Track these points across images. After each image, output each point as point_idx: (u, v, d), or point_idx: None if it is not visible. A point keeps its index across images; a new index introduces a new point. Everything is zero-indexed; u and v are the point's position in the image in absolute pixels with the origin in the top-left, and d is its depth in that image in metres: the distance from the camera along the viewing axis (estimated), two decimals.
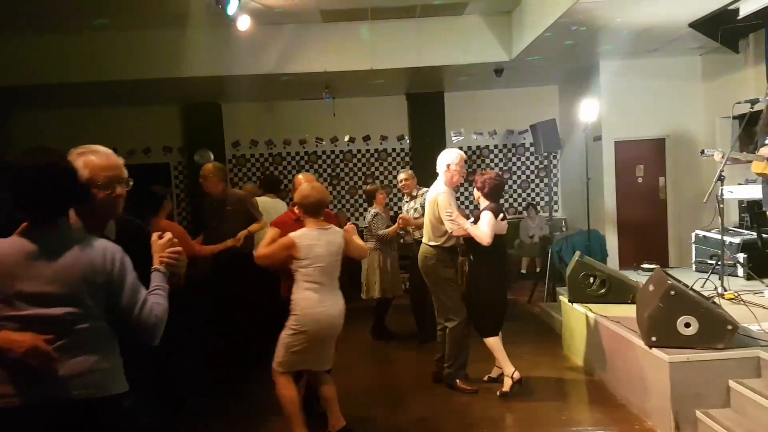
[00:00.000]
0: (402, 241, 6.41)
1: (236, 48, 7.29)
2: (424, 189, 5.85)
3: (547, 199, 9.77)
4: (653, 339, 3.74)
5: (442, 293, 4.58)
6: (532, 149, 9.76)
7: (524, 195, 10.06)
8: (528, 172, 10.09)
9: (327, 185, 9.93)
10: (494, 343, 4.44)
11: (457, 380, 4.56)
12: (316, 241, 3.46)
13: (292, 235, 3.49)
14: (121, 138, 9.55)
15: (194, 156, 9.37)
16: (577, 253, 5.40)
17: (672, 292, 3.71)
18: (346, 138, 9.92)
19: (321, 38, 7.59)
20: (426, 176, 6.39)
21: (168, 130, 9.77)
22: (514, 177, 10.04)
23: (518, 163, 10.07)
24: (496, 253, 4.41)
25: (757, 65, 6.36)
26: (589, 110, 6.61)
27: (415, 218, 5.85)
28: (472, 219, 4.48)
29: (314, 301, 3.42)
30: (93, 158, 2.01)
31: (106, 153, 2.06)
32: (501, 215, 4.37)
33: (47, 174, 1.77)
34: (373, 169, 10.07)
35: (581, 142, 8.19)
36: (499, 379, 4.54)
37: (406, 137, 9.96)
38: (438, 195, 4.50)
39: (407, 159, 10.00)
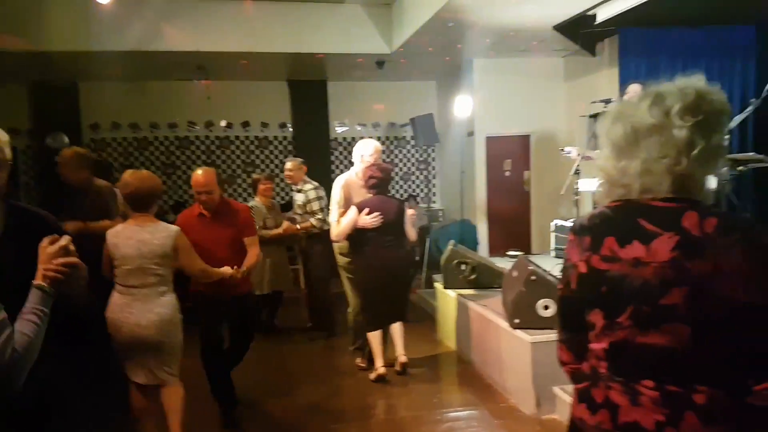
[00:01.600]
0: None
1: (95, 21, 6.60)
2: (312, 183, 5.73)
3: (426, 190, 10.10)
4: (516, 321, 3.98)
5: (343, 281, 4.81)
6: (413, 142, 9.99)
7: (405, 187, 10.28)
8: (409, 165, 10.31)
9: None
10: (370, 337, 4.53)
11: (357, 359, 4.87)
12: (124, 240, 3.09)
13: (108, 231, 3.20)
14: None
15: (46, 139, 8.43)
16: (451, 242, 5.61)
17: (533, 278, 3.97)
18: (223, 123, 9.47)
19: (194, 15, 7.12)
20: (308, 166, 6.31)
21: (14, 111, 8.61)
22: (396, 169, 10.22)
23: (400, 156, 10.25)
24: (368, 247, 4.41)
25: (611, 67, 6.96)
26: (463, 107, 6.87)
27: (299, 213, 5.72)
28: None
29: (117, 306, 3.09)
30: None
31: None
32: (366, 210, 4.33)
33: None
34: (253, 157, 9.72)
35: (457, 137, 8.53)
36: (394, 365, 4.59)
37: (289, 125, 9.73)
38: (334, 184, 4.66)
39: (290, 148, 9.79)
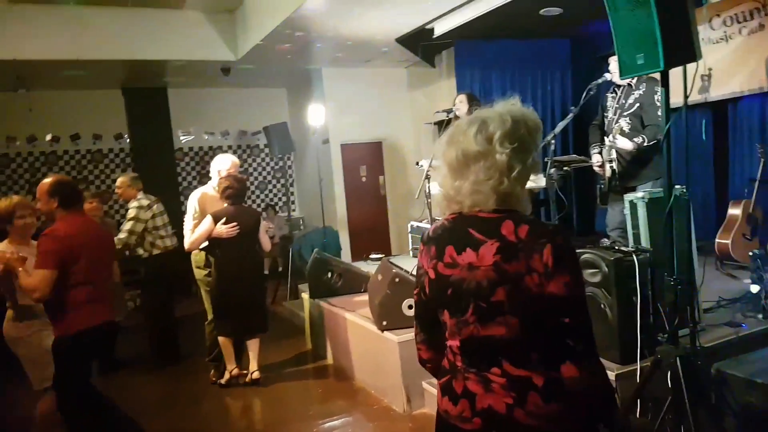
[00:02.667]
0: (127, 254, 5.42)
1: None
2: (138, 202, 5.23)
3: (285, 199, 10.02)
4: (384, 323, 4.12)
5: (202, 294, 4.75)
6: (267, 150, 9.84)
7: (262, 196, 10.09)
8: (265, 173, 10.14)
9: (25, 193, 8.42)
10: (222, 341, 4.55)
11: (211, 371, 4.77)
12: None
13: None
14: None
15: None
16: (316, 250, 5.63)
17: (397, 279, 4.14)
18: (48, 137, 8.55)
19: (9, 21, 6.40)
20: (150, 178, 5.94)
21: None
22: (251, 178, 10.00)
23: (254, 164, 10.04)
24: (224, 257, 4.44)
25: (449, 78, 7.49)
26: (316, 115, 6.95)
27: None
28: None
29: None
30: None
31: None
32: (224, 219, 4.33)
33: None
34: (86, 172, 8.90)
35: (312, 145, 8.59)
36: (249, 378, 4.59)
37: (126, 136, 9.04)
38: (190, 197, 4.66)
39: (128, 161, 9.10)
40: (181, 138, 9.38)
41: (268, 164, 10.13)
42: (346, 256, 8.30)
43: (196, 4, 7.07)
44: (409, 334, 3.99)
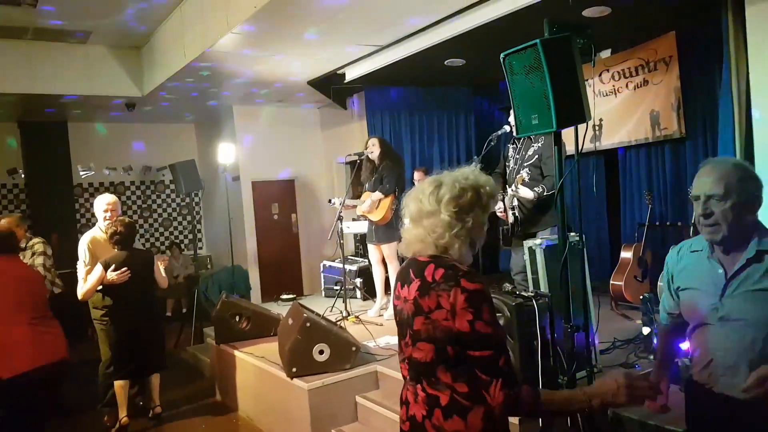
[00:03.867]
0: None
1: None
2: (36, 240, 5.00)
3: (191, 237, 9.54)
4: (294, 370, 3.95)
5: (98, 334, 4.57)
6: (172, 186, 9.39)
7: (167, 234, 9.56)
8: (170, 210, 9.64)
9: None
10: (117, 386, 4.35)
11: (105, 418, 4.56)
12: None
13: None
14: None
15: None
16: (223, 293, 5.37)
17: (308, 324, 3.99)
18: None
19: None
20: (47, 215, 5.46)
21: None
22: (155, 215, 9.46)
23: (158, 201, 9.52)
24: (118, 302, 4.35)
25: (360, 119, 7.56)
26: (226, 153, 6.73)
27: None
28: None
29: None
30: None
31: None
32: (113, 267, 4.22)
33: None
34: None
35: (222, 182, 8.28)
36: (152, 413, 4.55)
37: (21, 171, 8.30)
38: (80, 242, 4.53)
39: (22, 197, 8.35)
40: (81, 173, 8.72)
41: (173, 201, 9.65)
42: (256, 295, 7.99)
43: (100, 40, 6.69)
44: (319, 380, 3.85)
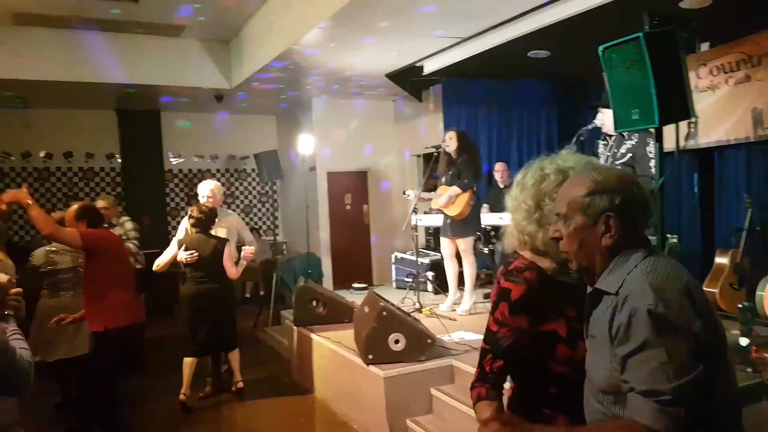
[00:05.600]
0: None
1: None
2: (125, 218, 5.43)
3: (269, 223, 9.82)
4: (370, 357, 3.95)
5: None
6: (253, 175, 9.68)
7: (247, 219, 9.88)
8: (251, 197, 9.95)
9: (17, 207, 8.14)
10: (185, 363, 4.48)
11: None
12: None
13: None
14: None
15: None
16: (301, 278, 5.47)
17: (384, 313, 3.98)
18: (42, 153, 8.28)
19: (12, 43, 6.26)
20: (139, 198, 5.78)
21: None
22: (237, 202, 9.79)
23: (241, 188, 9.85)
24: (187, 282, 4.55)
25: (436, 112, 7.44)
26: (305, 144, 6.83)
27: None
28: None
29: None
30: None
31: None
32: (184, 247, 4.44)
33: None
34: (76, 189, 8.61)
35: (299, 172, 8.46)
36: (235, 388, 4.74)
37: (117, 156, 8.81)
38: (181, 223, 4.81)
39: (118, 180, 8.86)
40: (171, 160, 9.16)
41: (254, 188, 9.95)
42: (328, 283, 8.11)
43: (193, 33, 6.95)
44: (395, 369, 3.84)
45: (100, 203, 5.08)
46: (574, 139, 3.67)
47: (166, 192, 9.18)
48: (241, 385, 4.71)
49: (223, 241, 4.61)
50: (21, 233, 8.23)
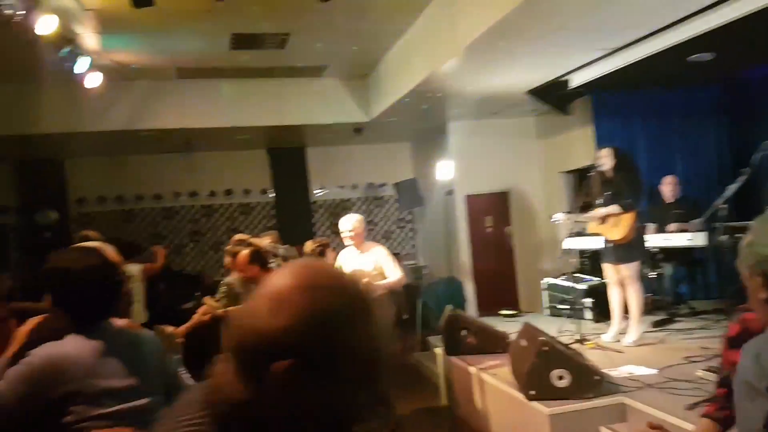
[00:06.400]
0: None
1: (84, 104, 6.41)
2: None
3: (407, 248, 9.97)
4: (532, 393, 3.76)
5: None
6: (390, 201, 9.91)
7: (387, 245, 10.09)
8: (389, 224, 10.18)
9: (188, 241, 9.18)
10: None
11: None
12: None
13: None
14: None
15: (35, 216, 8.12)
16: (449, 306, 5.41)
17: (545, 348, 3.77)
18: (206, 192, 9.27)
19: (177, 94, 7.08)
20: (290, 229, 6.21)
21: (1, 188, 8.34)
22: (377, 228, 10.07)
23: (380, 215, 10.12)
24: None
25: (584, 126, 7.00)
26: (445, 170, 6.82)
27: None
28: None
29: None
30: (111, 252, 1.95)
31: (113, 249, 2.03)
32: None
33: (101, 274, 1.75)
34: (237, 223, 9.45)
35: (436, 196, 8.48)
36: None
37: (270, 191, 9.55)
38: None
39: (272, 213, 9.58)
40: (315, 192, 9.72)
41: (392, 214, 10.15)
42: (471, 308, 7.94)
43: (334, 73, 7.36)
44: (560, 407, 3.61)
45: (266, 240, 5.56)
46: (758, 155, 3.20)
47: (312, 222, 9.71)
48: None
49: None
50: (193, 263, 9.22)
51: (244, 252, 3.85)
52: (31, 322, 1.83)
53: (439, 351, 5.45)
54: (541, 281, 6.46)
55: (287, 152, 9.38)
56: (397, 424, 4.64)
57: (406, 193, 7.09)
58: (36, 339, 1.75)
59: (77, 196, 8.65)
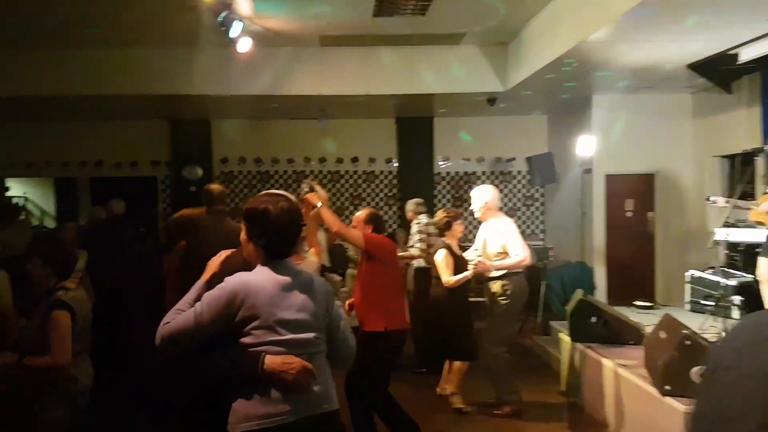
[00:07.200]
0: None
1: (232, 68, 7.11)
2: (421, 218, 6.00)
3: (533, 227, 9.78)
4: (667, 388, 3.65)
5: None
6: (519, 177, 9.74)
7: None
8: (515, 200, 10.04)
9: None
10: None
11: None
12: None
13: None
14: (108, 151, 9.40)
15: (182, 171, 9.13)
16: (579, 291, 5.31)
17: (687, 342, 3.63)
18: (334, 159, 9.75)
19: (317, 62, 7.48)
20: (410, 199, 6.43)
21: (156, 145, 9.50)
22: (501, 205, 9.97)
23: (505, 191, 9.99)
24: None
25: (750, 107, 6.40)
26: (585, 145, 6.57)
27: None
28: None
29: None
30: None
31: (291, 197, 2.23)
32: None
33: (296, 216, 2.06)
34: (360, 191, 9.90)
35: (572, 175, 8.19)
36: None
37: (394, 160, 9.82)
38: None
39: (394, 182, 9.87)
40: (440, 163, 9.81)
41: (519, 191, 9.99)
42: (601, 296, 7.67)
43: (472, 40, 7.31)
44: None
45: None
46: None
47: (434, 194, 9.85)
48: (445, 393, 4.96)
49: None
50: None
51: (363, 211, 4.12)
52: (223, 254, 2.13)
53: (563, 336, 5.39)
54: (685, 273, 6.07)
55: (415, 122, 9.56)
56: (521, 408, 4.68)
57: (538, 169, 6.94)
58: (225, 269, 2.05)
59: (221, 156, 9.58)
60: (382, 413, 3.81)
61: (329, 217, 3.62)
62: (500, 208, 5.04)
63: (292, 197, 2.15)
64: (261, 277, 1.96)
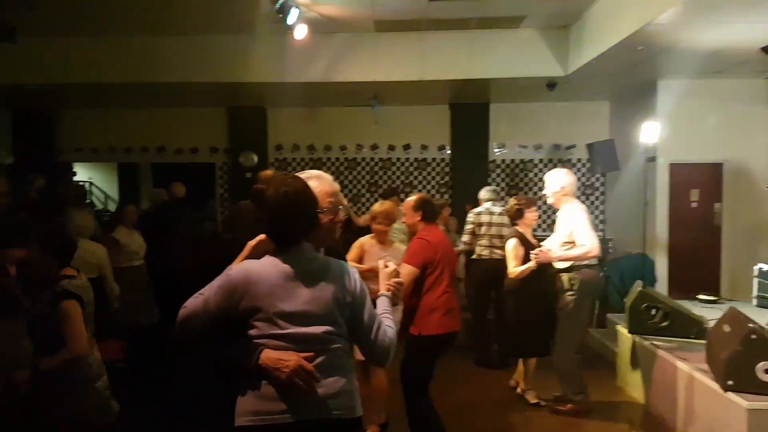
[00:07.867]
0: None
1: (288, 56, 7.31)
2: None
3: (592, 217, 9.60)
4: (730, 383, 3.63)
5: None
6: (579, 165, 9.60)
7: None
8: (574, 188, 9.88)
9: (365, 192, 9.97)
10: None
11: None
12: None
13: None
14: (169, 137, 9.86)
15: (239, 158, 9.49)
16: (639, 282, 5.27)
17: (753, 336, 3.59)
18: (386, 146, 9.86)
19: (372, 48, 7.59)
20: (464, 187, 6.43)
21: (215, 132, 9.89)
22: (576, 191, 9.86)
23: None
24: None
25: None
26: (649, 133, 6.43)
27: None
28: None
29: None
30: (316, 184, 2.05)
31: (329, 179, 2.13)
32: None
33: (298, 201, 1.89)
34: (411, 178, 10.00)
35: (634, 163, 8.01)
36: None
37: (447, 147, 9.85)
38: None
39: (447, 170, 9.91)
40: (495, 150, 9.77)
41: (578, 180, 9.77)
42: (662, 288, 7.53)
43: (532, 23, 7.24)
44: (763, 402, 3.44)
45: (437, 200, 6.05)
46: None
47: (488, 182, 9.82)
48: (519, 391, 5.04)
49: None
50: None
51: (413, 197, 3.91)
52: (259, 238, 2.00)
53: (621, 329, 5.37)
54: (753, 267, 5.90)
55: (470, 108, 9.53)
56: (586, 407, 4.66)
57: (600, 156, 6.83)
58: (254, 254, 1.98)
59: (275, 143, 9.88)
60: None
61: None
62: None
63: (310, 179, 2.03)
64: (264, 267, 1.88)
